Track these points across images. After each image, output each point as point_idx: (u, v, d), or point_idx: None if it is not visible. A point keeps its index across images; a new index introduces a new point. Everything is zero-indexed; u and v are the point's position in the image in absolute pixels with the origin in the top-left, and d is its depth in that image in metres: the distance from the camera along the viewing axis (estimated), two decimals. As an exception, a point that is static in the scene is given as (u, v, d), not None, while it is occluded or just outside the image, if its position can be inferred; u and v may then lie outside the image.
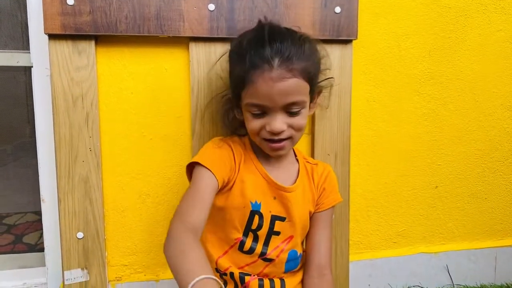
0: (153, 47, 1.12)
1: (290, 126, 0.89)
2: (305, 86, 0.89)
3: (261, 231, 0.94)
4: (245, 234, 0.95)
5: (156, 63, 1.13)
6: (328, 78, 1.03)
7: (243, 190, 0.93)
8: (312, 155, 1.23)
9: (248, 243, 0.95)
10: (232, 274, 0.95)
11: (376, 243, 1.37)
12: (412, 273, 1.40)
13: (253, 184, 0.94)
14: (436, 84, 1.33)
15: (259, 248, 0.95)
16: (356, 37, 1.19)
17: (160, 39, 1.10)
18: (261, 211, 0.94)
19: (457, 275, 1.44)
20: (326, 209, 1.01)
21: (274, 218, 0.95)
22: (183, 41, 1.12)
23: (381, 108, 1.31)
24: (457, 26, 1.32)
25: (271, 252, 0.95)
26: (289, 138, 0.91)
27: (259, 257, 0.95)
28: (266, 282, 0.97)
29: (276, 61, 0.84)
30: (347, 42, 1.20)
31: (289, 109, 0.87)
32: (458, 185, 1.41)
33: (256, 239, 0.95)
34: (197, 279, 0.68)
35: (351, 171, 1.28)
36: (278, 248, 0.96)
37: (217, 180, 0.88)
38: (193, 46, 1.12)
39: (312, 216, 1.01)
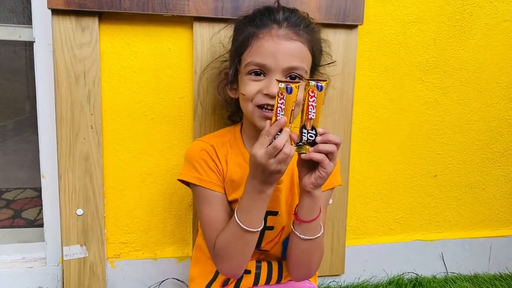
0: (157, 26, 1.11)
1: None
2: (308, 56, 0.90)
3: None
4: None
5: (159, 43, 1.12)
6: (331, 63, 1.02)
7: (233, 187, 0.92)
8: (313, 140, 1.23)
9: None
10: None
11: (373, 229, 1.39)
12: (407, 260, 1.41)
13: (242, 180, 0.92)
14: (439, 72, 1.33)
15: None
16: (362, 23, 1.18)
17: (164, 18, 1.09)
18: None
19: (452, 263, 1.45)
20: (324, 190, 0.94)
21: (266, 214, 0.91)
22: (187, 20, 1.11)
23: (383, 95, 1.30)
24: (464, 15, 1.30)
25: (265, 246, 0.96)
26: None
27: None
28: (264, 265, 0.98)
29: (285, 23, 0.87)
30: (353, 27, 1.20)
31: (289, 73, 0.86)
32: (457, 175, 1.42)
33: None
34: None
35: (351, 157, 1.28)
36: (272, 242, 0.96)
37: (222, 192, 0.92)
38: (197, 26, 1.11)
39: None
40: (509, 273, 1.48)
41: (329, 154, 0.78)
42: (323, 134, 0.79)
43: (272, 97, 0.84)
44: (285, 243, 0.98)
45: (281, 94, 0.76)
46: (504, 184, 1.46)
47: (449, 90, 1.35)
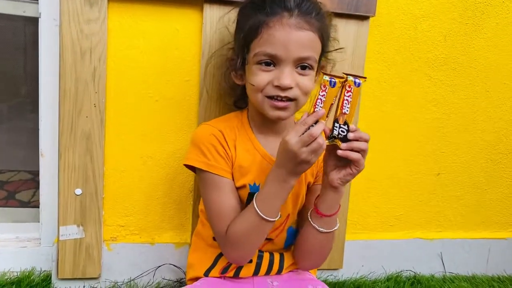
0: (167, 6, 1.09)
1: (297, 85, 0.85)
2: (319, 45, 0.88)
3: None
4: None
5: (168, 23, 1.10)
6: (338, 49, 1.00)
7: (241, 173, 0.91)
8: (319, 131, 1.21)
9: None
10: None
11: (373, 224, 1.37)
12: (405, 257, 1.40)
13: (250, 166, 0.91)
14: (448, 70, 1.32)
15: None
16: (374, 14, 1.16)
17: (174, -3, 1.07)
18: None
19: (450, 263, 1.44)
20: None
21: None
22: (197, 2, 1.09)
23: (391, 90, 1.29)
24: (476, 13, 1.29)
25: (271, 234, 0.94)
26: (294, 100, 0.86)
27: None
28: (266, 255, 0.96)
29: (296, 11, 0.84)
30: (364, 18, 1.18)
31: (300, 64, 0.84)
32: (460, 174, 1.41)
33: None
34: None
35: (356, 150, 1.26)
36: (278, 230, 0.95)
37: (230, 178, 0.90)
38: (207, 8, 1.09)
39: (310, 188, 0.98)
40: (507, 275, 1.47)
41: (362, 152, 0.78)
42: (354, 131, 0.78)
43: (283, 88, 0.83)
44: (289, 231, 0.97)
45: (324, 86, 0.76)
46: (506, 186, 1.46)
47: (457, 88, 1.34)
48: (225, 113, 1.05)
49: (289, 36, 0.83)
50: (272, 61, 0.84)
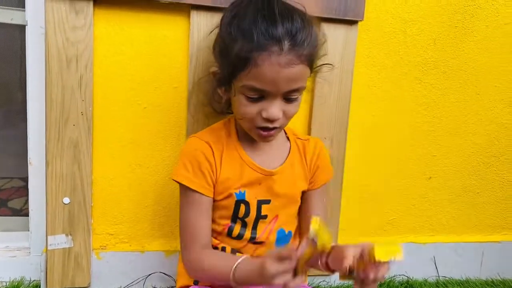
0: (153, 13, 1.08)
1: (284, 114, 0.84)
2: (308, 73, 0.85)
3: (248, 217, 0.93)
4: (233, 221, 0.93)
5: (155, 30, 1.10)
6: (326, 64, 0.96)
7: (227, 185, 0.90)
8: (308, 136, 1.21)
9: (237, 229, 0.93)
10: (224, 248, 0.93)
11: (365, 230, 1.37)
12: (398, 262, 1.39)
13: (237, 176, 0.90)
14: (438, 73, 1.31)
15: (248, 234, 0.93)
16: (362, 18, 1.16)
17: (161, 4, 1.06)
18: (246, 199, 0.91)
19: (443, 267, 1.43)
20: (320, 187, 0.99)
21: (260, 203, 0.92)
22: (184, 8, 1.08)
23: (381, 94, 1.28)
24: (465, 16, 1.29)
25: (260, 236, 0.94)
26: (280, 126, 0.86)
27: (248, 242, 0.94)
28: None
29: (286, 45, 0.78)
30: (353, 23, 1.18)
31: (289, 96, 0.82)
32: (452, 178, 1.41)
33: (244, 225, 0.93)
34: (236, 263, 0.79)
35: (346, 155, 1.26)
36: (267, 230, 0.95)
37: (209, 196, 0.90)
38: (194, 14, 1.08)
39: (306, 194, 0.99)
40: (500, 279, 1.46)
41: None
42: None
43: (272, 120, 0.82)
44: (279, 233, 0.96)
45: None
46: (499, 189, 1.45)
47: (448, 92, 1.33)
48: (214, 120, 1.05)
49: (278, 75, 0.78)
50: (260, 94, 0.82)
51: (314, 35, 0.84)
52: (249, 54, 0.78)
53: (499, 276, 1.48)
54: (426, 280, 1.41)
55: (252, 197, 0.92)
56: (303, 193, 0.99)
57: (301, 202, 0.99)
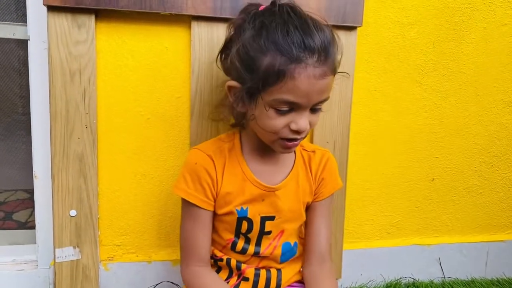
0: (155, 25, 1.09)
1: (310, 124, 0.82)
2: (333, 81, 0.83)
3: (251, 233, 0.92)
4: (236, 236, 0.93)
5: (157, 41, 1.11)
6: (342, 73, 0.91)
7: (228, 199, 0.90)
8: (311, 142, 1.22)
9: (240, 244, 0.93)
10: (229, 260, 0.94)
11: (370, 233, 1.37)
12: (404, 264, 1.40)
13: (238, 191, 0.89)
14: (438, 76, 1.32)
15: (251, 249, 0.93)
16: (361, 24, 1.17)
17: (161, 16, 1.08)
18: (248, 216, 0.91)
19: (449, 268, 1.44)
20: (325, 198, 0.97)
21: (264, 220, 0.92)
22: (185, 19, 1.09)
23: (382, 98, 1.29)
24: (463, 18, 1.30)
25: (264, 251, 0.94)
26: (304, 137, 0.85)
27: (252, 256, 0.94)
28: (263, 272, 0.95)
29: (322, 56, 0.76)
30: (352, 29, 1.19)
31: (316, 106, 0.81)
32: (455, 179, 1.41)
33: (248, 240, 0.93)
34: None
35: (349, 160, 1.27)
36: (271, 246, 0.94)
37: (209, 210, 0.90)
38: (195, 25, 1.09)
39: (310, 205, 0.98)
40: (506, 278, 1.47)
41: None
42: None
43: (300, 132, 0.81)
44: (285, 247, 0.96)
45: None
46: (502, 189, 1.46)
47: (448, 94, 1.34)
48: (217, 129, 1.06)
49: (313, 88, 0.77)
50: (291, 107, 0.80)
51: (337, 43, 0.83)
52: (285, 67, 0.75)
53: (505, 275, 1.49)
54: (432, 282, 1.42)
55: (255, 213, 0.91)
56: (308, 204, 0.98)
57: (306, 213, 0.98)
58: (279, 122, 0.80)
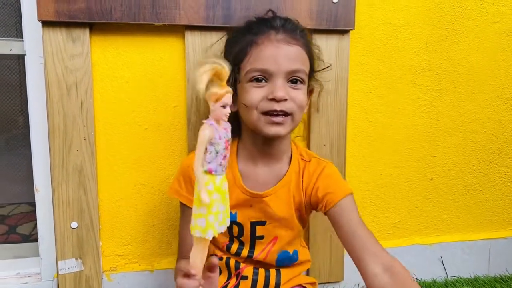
0: (149, 36, 1.11)
1: (291, 99, 0.85)
2: (307, 60, 0.90)
3: (243, 237, 0.95)
4: (231, 239, 0.96)
5: (151, 52, 1.12)
6: (326, 68, 1.04)
7: None
8: (308, 146, 1.23)
9: (234, 247, 0.96)
10: (228, 259, 0.96)
11: (371, 234, 1.37)
12: (406, 264, 1.37)
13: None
14: (432, 75, 1.33)
15: (245, 252, 0.96)
16: (354, 28, 1.18)
17: (155, 27, 1.09)
18: (238, 220, 0.93)
19: (451, 266, 1.44)
20: (335, 205, 0.88)
21: (254, 224, 0.94)
22: (179, 29, 1.11)
23: (377, 99, 1.30)
24: (454, 17, 1.31)
25: (258, 255, 0.96)
26: (290, 114, 0.86)
27: (247, 258, 0.96)
28: (261, 271, 0.97)
29: (281, 29, 0.88)
30: (344, 32, 1.20)
31: (292, 77, 0.86)
32: (453, 177, 1.42)
33: (241, 244, 0.96)
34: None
35: (347, 162, 1.28)
36: (265, 251, 0.96)
37: None
38: (188, 35, 1.11)
39: (329, 217, 0.91)
40: (509, 275, 1.47)
41: None
42: None
43: (278, 100, 0.84)
44: (282, 255, 0.97)
45: None
46: (501, 185, 1.46)
47: (443, 93, 1.35)
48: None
49: (278, 50, 0.86)
50: (263, 77, 0.86)
51: (305, 31, 0.94)
52: (250, 39, 0.88)
53: (508, 272, 1.48)
54: (435, 281, 1.42)
55: (244, 218, 0.94)
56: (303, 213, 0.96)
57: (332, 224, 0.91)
58: (256, 94, 0.86)
